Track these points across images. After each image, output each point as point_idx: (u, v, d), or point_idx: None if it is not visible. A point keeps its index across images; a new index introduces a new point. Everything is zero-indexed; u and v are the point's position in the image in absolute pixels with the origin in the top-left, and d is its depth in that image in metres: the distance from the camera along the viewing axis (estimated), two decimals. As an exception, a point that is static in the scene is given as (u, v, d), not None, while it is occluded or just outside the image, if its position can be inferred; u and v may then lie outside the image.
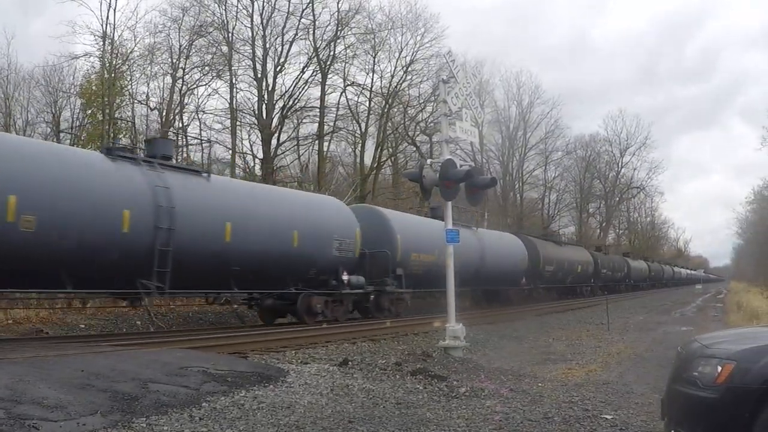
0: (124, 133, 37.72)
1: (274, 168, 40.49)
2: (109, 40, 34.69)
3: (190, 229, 16.89)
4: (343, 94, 44.31)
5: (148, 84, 39.29)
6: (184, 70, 39.06)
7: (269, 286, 20.27)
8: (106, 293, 18.10)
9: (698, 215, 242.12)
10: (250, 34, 40.05)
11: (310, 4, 40.35)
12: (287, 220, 20.46)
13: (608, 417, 9.03)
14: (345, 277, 22.22)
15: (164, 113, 38.65)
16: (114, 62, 35.32)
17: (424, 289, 27.89)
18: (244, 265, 18.58)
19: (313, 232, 21.18)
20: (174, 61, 38.59)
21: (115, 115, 35.80)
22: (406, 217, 29.54)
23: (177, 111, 39.44)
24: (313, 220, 21.52)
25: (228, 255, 18.11)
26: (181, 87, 39.33)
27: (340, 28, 41.41)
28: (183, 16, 38.23)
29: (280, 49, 40.89)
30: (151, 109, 39.37)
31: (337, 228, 22.38)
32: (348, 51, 43.16)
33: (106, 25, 34.24)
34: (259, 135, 40.70)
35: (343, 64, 43.59)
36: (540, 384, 11.97)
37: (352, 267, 22.91)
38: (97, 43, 35.19)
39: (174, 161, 19.44)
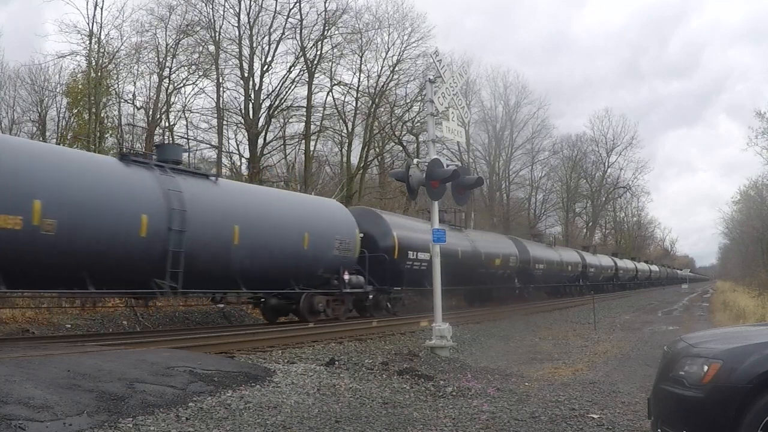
0: (110, 132, 37.62)
1: (261, 167, 40.43)
2: (96, 39, 34.56)
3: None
4: (330, 93, 44.47)
5: (135, 83, 39.24)
6: (170, 69, 38.97)
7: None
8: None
9: (684, 214, 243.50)
10: (237, 34, 40.04)
11: (297, 4, 40.39)
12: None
13: (595, 416, 9.05)
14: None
15: (151, 112, 38.52)
16: (100, 61, 35.16)
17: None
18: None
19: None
20: (161, 60, 38.51)
21: (102, 114, 35.64)
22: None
23: (163, 110, 39.32)
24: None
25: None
26: (168, 86, 39.22)
27: (327, 28, 41.40)
28: (170, 15, 38.19)
29: (266, 48, 40.95)
30: (138, 108, 39.28)
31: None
32: (335, 50, 43.22)
33: (93, 23, 34.11)
34: (246, 134, 40.65)
35: (330, 63, 43.70)
36: (527, 383, 12.00)
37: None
38: (83, 42, 35.09)
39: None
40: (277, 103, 41.34)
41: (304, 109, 42.46)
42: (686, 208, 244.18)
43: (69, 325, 20.56)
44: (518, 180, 74.55)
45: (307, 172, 42.89)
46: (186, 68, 39.59)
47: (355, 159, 46.39)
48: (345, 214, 24.51)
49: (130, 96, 39.06)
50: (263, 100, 40.56)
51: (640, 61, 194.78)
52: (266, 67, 40.75)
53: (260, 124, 40.44)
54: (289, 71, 41.62)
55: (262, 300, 22.31)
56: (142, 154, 19.52)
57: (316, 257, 21.91)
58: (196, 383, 9.30)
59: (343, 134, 46.64)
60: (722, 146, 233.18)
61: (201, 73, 39.98)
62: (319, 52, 42.13)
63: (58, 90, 38.61)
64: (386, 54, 45.56)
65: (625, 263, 74.42)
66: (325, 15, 40.91)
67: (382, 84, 45.28)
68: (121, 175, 16.53)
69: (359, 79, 45.38)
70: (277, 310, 22.66)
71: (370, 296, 24.88)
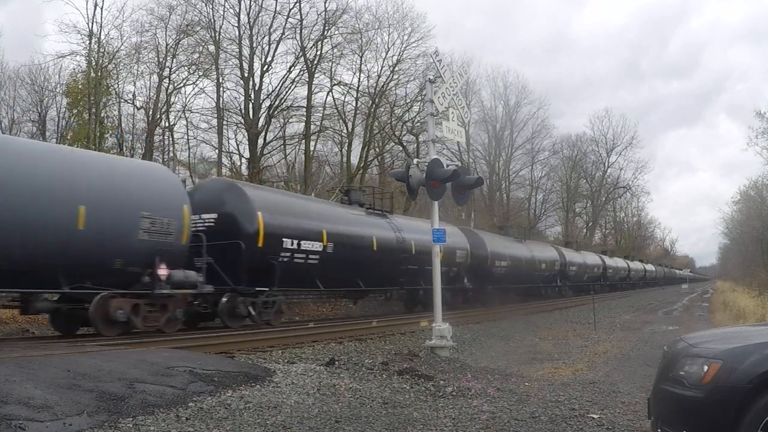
0: (110, 132, 37.64)
1: (261, 167, 40.42)
2: (96, 39, 34.55)
3: None
4: (330, 93, 44.43)
5: (135, 83, 39.26)
6: (170, 69, 38.94)
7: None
8: None
9: (684, 214, 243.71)
10: (237, 34, 40.00)
11: (297, 4, 40.31)
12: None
13: (595, 416, 9.06)
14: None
15: (150, 112, 38.52)
16: (100, 61, 35.16)
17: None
18: None
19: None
20: (161, 60, 38.50)
21: (102, 115, 35.63)
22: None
23: (163, 110, 39.28)
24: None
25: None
26: (168, 86, 39.18)
27: (327, 28, 41.33)
28: (170, 15, 38.17)
29: (267, 48, 40.90)
30: (138, 108, 39.29)
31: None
32: (335, 50, 43.15)
33: (93, 23, 34.10)
34: (246, 134, 40.64)
35: (330, 63, 43.64)
36: (527, 383, 12.00)
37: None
38: (83, 42, 35.09)
39: None
40: (277, 103, 41.32)
41: (304, 109, 42.43)
42: (686, 208, 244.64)
43: (69, 325, 20.53)
44: (518, 180, 74.79)
45: (307, 172, 42.86)
46: (186, 68, 39.62)
47: (355, 159, 46.46)
48: (165, 183, 17.55)
49: (130, 96, 39.15)
50: (263, 100, 40.54)
51: (640, 61, 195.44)
52: (266, 67, 40.75)
53: (260, 124, 40.42)
54: (289, 71, 41.63)
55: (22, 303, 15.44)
56: None
57: (107, 242, 15.37)
58: (196, 383, 9.30)
59: (343, 134, 46.67)
60: (722, 146, 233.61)
61: (201, 73, 40.01)
62: (319, 52, 42.13)
63: (58, 90, 38.67)
64: (386, 54, 45.59)
65: (616, 262, 72.85)
66: (325, 15, 40.91)
67: (382, 84, 45.30)
68: None
69: (359, 79, 45.41)
70: (72, 318, 16.83)
71: (224, 299, 18.73)
